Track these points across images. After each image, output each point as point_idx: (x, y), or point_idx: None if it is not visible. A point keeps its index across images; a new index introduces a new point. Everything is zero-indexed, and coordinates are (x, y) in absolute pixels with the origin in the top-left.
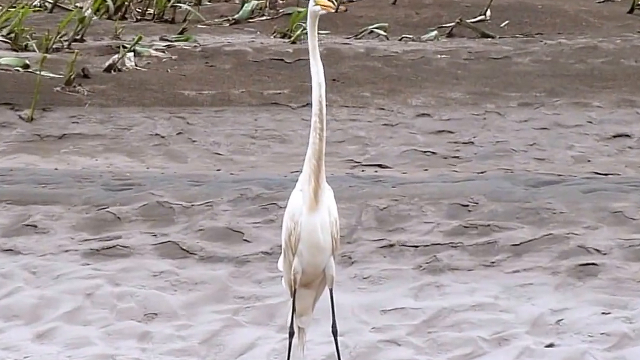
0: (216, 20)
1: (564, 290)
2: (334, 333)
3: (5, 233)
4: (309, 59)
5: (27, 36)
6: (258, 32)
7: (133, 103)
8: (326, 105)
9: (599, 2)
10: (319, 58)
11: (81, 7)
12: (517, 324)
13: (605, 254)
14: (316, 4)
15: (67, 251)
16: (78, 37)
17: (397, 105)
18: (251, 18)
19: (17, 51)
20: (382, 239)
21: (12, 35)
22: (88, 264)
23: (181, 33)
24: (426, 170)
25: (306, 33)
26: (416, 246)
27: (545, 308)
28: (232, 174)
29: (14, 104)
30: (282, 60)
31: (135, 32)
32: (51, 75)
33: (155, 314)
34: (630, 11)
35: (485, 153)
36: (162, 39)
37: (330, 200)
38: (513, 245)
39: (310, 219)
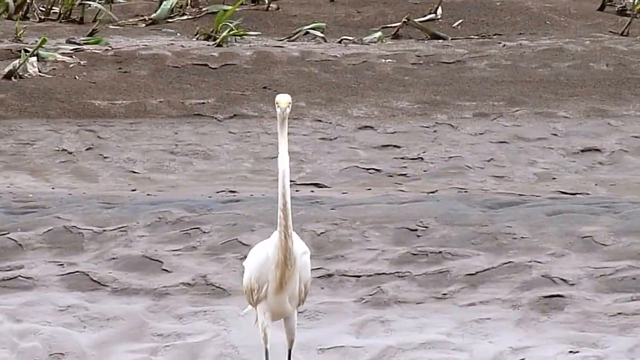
0: (130, 20)
1: (526, 325)
2: None
3: None
4: (236, 64)
5: None
6: (178, 34)
7: (36, 114)
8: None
9: None
10: (286, 152)
11: None
12: None
13: (572, 284)
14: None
15: None
16: None
17: (337, 117)
18: (170, 17)
19: None
20: (320, 268)
21: None
22: None
23: (91, 35)
24: (369, 189)
25: (234, 35)
26: (358, 276)
27: (504, 346)
28: (149, 194)
29: None
30: (206, 65)
31: (39, 34)
32: None
33: (62, 354)
34: (601, 8)
35: (436, 170)
36: (69, 42)
37: (303, 265)
38: (468, 274)
39: (276, 298)
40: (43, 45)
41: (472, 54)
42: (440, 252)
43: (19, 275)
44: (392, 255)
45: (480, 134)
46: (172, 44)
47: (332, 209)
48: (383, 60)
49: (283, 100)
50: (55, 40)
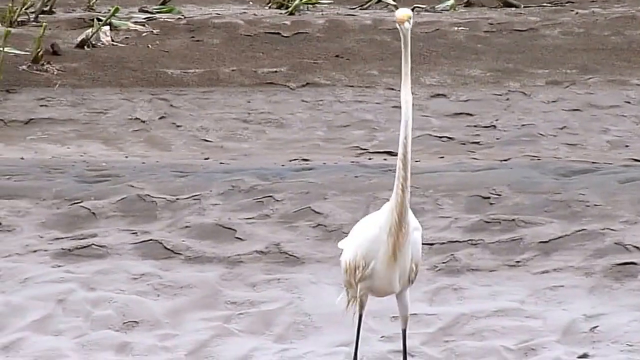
0: None
1: (599, 293)
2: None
3: None
4: (308, 33)
5: None
6: (251, 2)
7: (109, 83)
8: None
9: None
10: (409, 88)
11: None
12: (546, 331)
13: None
14: (399, 21)
15: (35, 251)
16: (46, 9)
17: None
18: None
19: None
20: None
21: None
22: (59, 266)
23: (163, 3)
24: (442, 157)
25: (306, 3)
26: (431, 244)
27: (578, 313)
28: (222, 163)
29: None
30: (278, 34)
31: (112, 3)
32: (16, 52)
33: (136, 322)
34: None
35: (509, 138)
36: (141, 11)
37: (413, 241)
38: (541, 242)
39: (386, 273)
40: (116, 14)
41: (545, 21)
42: (513, 220)
43: (93, 244)
44: (465, 223)
45: (553, 101)
46: (244, 12)
47: None
48: (455, 28)
49: (400, 14)
50: (127, 9)
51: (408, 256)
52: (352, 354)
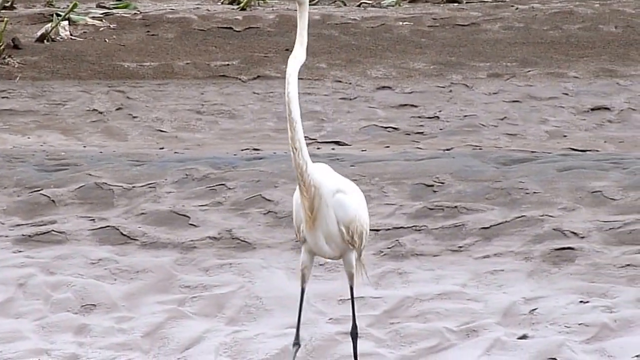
0: None
1: (538, 277)
2: (354, 335)
3: None
4: (259, 28)
5: None
6: None
7: (68, 76)
8: (291, 97)
9: None
10: (300, 51)
11: None
12: (487, 314)
13: (583, 237)
14: None
15: None
16: (7, 4)
17: (356, 77)
18: None
19: None
20: None
21: None
22: (20, 251)
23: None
24: (387, 147)
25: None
26: (377, 230)
27: (517, 296)
28: (176, 152)
29: None
30: (230, 28)
31: None
32: None
33: (94, 305)
34: None
35: (452, 128)
36: (99, 6)
37: (338, 205)
38: (482, 228)
39: (309, 234)
40: (74, 10)
41: (486, 16)
42: (455, 207)
43: (52, 230)
44: (410, 210)
45: (494, 93)
46: (198, 7)
47: (352, 166)
48: (400, 23)
49: None
50: (85, 4)
51: (329, 218)
52: (295, 329)
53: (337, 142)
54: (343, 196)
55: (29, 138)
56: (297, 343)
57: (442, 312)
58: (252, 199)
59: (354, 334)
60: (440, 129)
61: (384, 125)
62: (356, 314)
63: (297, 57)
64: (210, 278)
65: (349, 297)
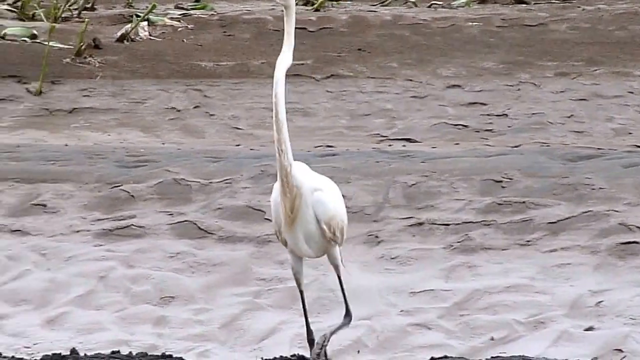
0: None
1: (604, 270)
2: (347, 320)
3: (12, 213)
4: (333, 28)
5: (35, 5)
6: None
7: (147, 75)
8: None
9: None
10: (287, 54)
11: None
12: (554, 306)
13: None
14: None
15: (78, 232)
16: (88, 6)
17: (426, 76)
18: None
19: (24, 21)
20: (411, 217)
21: (19, 3)
22: (101, 245)
23: (197, 1)
24: (457, 144)
25: (331, 0)
26: (447, 224)
27: (584, 289)
28: (252, 149)
29: (21, 77)
30: (304, 29)
31: (149, 0)
32: (60, 46)
33: (172, 297)
34: None
35: (520, 126)
36: (177, 7)
37: (317, 202)
38: (550, 223)
39: (290, 234)
40: (153, 11)
41: (553, 17)
42: (523, 202)
43: (132, 224)
44: (479, 205)
45: (561, 92)
46: (272, 9)
47: (422, 162)
48: (470, 24)
49: None
50: (164, 5)
51: (309, 217)
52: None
53: (408, 139)
54: (322, 194)
55: (109, 135)
56: (311, 339)
57: (510, 305)
58: None
59: (348, 320)
60: (509, 127)
61: (454, 123)
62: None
63: (285, 60)
64: (285, 271)
65: (339, 287)
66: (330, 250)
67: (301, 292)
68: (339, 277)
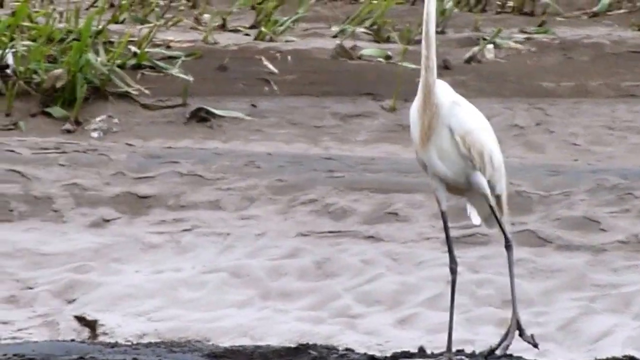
0: (574, 13)
1: None
2: (508, 248)
3: (367, 220)
4: None
5: (389, 28)
6: (616, 25)
7: (492, 94)
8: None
9: None
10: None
11: (441, 0)
12: None
13: None
14: None
15: (428, 239)
16: (439, 29)
17: None
18: (609, 11)
19: (379, 42)
20: None
21: (375, 27)
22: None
23: (540, 25)
24: None
25: None
26: None
27: None
28: (589, 164)
29: (375, 94)
30: (639, 53)
31: (495, 25)
32: (412, 66)
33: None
34: None
35: None
36: (521, 32)
37: (454, 116)
38: None
39: (424, 152)
40: (499, 34)
41: None
42: None
43: (477, 233)
44: None
45: None
46: (609, 34)
47: None
48: None
49: None
50: (509, 30)
51: (443, 134)
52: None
53: None
54: (460, 108)
55: None
56: (454, 266)
57: None
58: None
59: (508, 246)
60: None
61: None
62: (507, 233)
63: None
64: (619, 278)
65: (495, 219)
66: (473, 176)
67: (442, 213)
68: (491, 207)
